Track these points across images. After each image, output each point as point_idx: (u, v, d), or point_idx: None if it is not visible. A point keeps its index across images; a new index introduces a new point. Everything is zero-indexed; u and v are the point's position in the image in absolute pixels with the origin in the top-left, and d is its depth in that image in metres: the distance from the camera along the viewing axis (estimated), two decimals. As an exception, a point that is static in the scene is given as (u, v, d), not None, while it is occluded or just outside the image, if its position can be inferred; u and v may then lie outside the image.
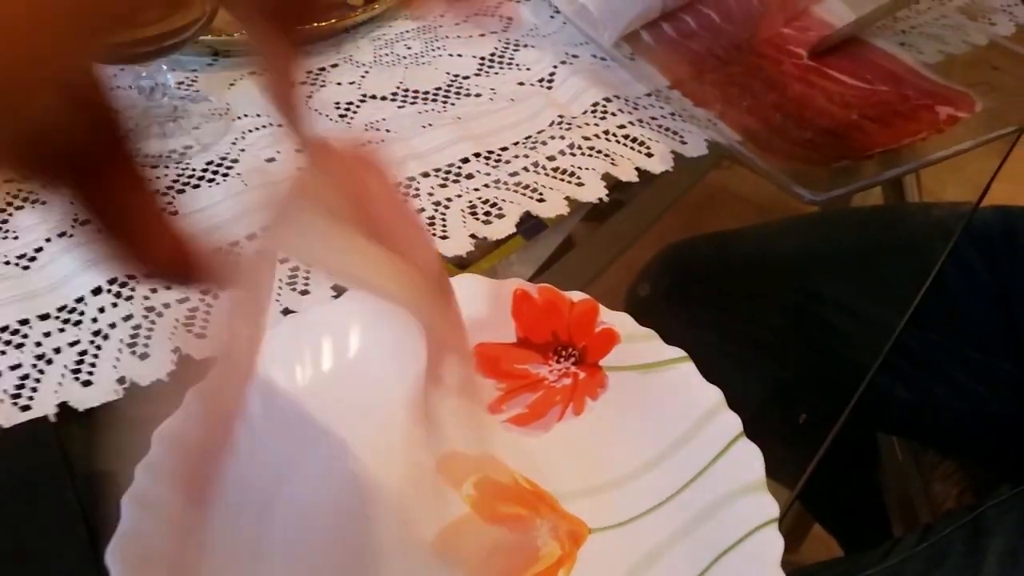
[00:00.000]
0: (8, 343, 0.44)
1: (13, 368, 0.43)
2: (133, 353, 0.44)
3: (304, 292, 0.47)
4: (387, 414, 0.40)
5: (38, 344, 0.44)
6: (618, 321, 0.42)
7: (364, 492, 0.37)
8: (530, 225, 0.51)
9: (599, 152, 0.55)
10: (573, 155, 0.55)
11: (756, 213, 0.58)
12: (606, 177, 0.53)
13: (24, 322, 0.45)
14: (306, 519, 0.36)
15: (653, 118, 0.57)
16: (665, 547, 0.35)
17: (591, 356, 0.42)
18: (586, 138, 0.56)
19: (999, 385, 0.71)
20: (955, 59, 0.63)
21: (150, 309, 0.46)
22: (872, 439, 0.89)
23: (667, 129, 0.57)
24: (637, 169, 0.54)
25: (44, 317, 0.46)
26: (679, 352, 0.40)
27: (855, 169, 0.54)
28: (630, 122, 0.57)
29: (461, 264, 0.49)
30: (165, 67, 0.55)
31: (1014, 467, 0.62)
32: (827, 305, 0.52)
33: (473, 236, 0.50)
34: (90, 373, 0.43)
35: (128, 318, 0.45)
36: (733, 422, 0.37)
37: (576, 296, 0.43)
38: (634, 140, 0.56)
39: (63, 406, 0.42)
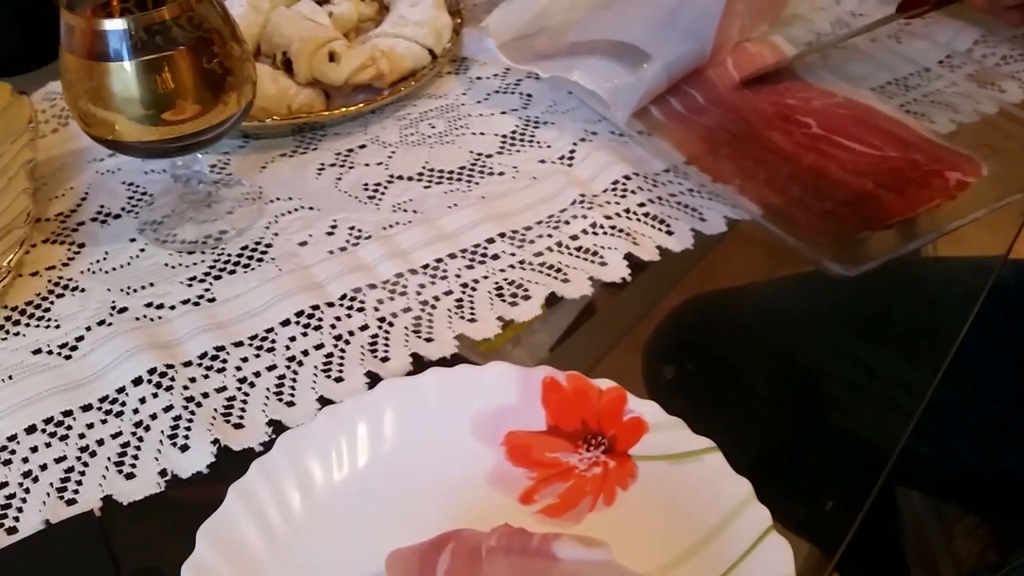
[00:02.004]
0: (53, 435, 0.46)
1: (58, 461, 0.45)
2: (174, 445, 0.45)
3: (339, 379, 0.48)
4: (423, 503, 0.41)
5: (81, 436, 0.46)
6: (646, 410, 0.43)
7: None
8: (550, 295, 0.53)
9: (621, 231, 0.56)
10: (595, 234, 0.56)
11: (779, 262, 0.59)
12: (628, 256, 0.55)
13: (67, 413, 0.47)
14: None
15: (672, 195, 0.59)
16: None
17: (620, 445, 0.43)
18: (608, 217, 0.57)
19: (1019, 441, 0.71)
20: (965, 127, 0.65)
21: (189, 399, 0.47)
22: (891, 492, 0.89)
23: (686, 206, 0.58)
24: (658, 248, 0.55)
25: (87, 408, 0.47)
26: (707, 442, 0.41)
27: (875, 239, 0.55)
28: (650, 200, 0.58)
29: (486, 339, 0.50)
30: (200, 155, 0.57)
31: None
32: (853, 365, 0.52)
33: (500, 319, 0.51)
34: (133, 465, 0.44)
35: (168, 409, 0.47)
36: (763, 516, 0.38)
37: (604, 384, 0.44)
38: (654, 218, 0.57)
39: (107, 499, 0.43)
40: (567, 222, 0.57)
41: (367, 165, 0.63)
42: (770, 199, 0.57)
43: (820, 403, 0.50)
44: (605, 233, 0.56)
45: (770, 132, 0.63)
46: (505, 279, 0.54)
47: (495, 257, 0.55)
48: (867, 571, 0.88)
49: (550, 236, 0.56)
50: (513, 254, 0.55)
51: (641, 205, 0.58)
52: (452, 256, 0.55)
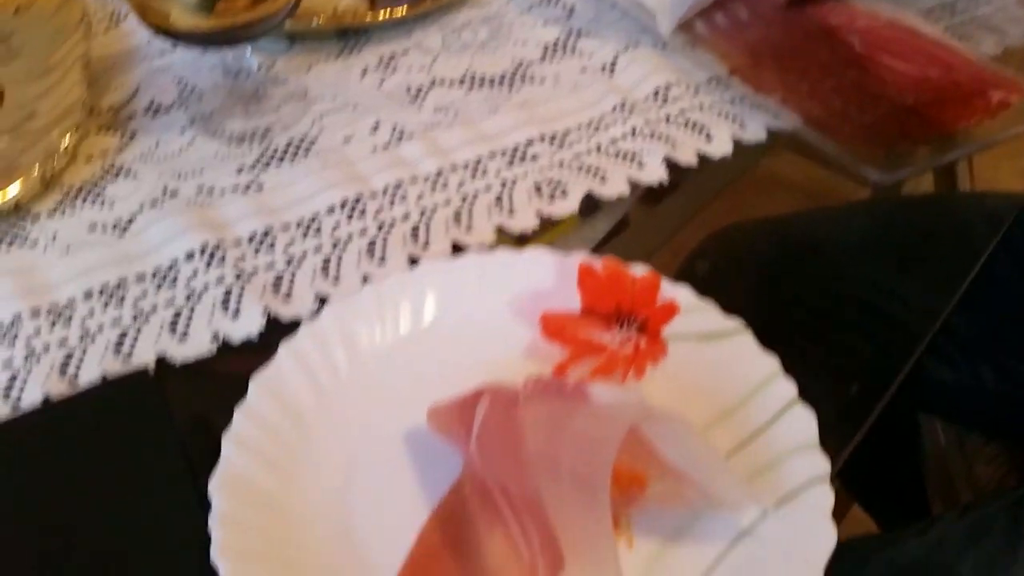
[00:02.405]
0: (108, 300, 0.48)
1: (114, 323, 0.47)
2: (225, 312, 0.47)
3: (382, 260, 0.50)
4: (463, 373, 0.43)
5: (136, 302, 0.48)
6: (679, 293, 0.44)
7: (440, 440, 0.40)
8: (587, 205, 0.54)
9: (660, 136, 0.57)
10: (635, 138, 0.57)
11: (804, 200, 0.60)
12: (666, 160, 0.56)
13: (122, 282, 0.49)
14: (389, 467, 0.39)
15: (713, 104, 0.60)
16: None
17: (653, 325, 0.44)
18: (647, 122, 0.58)
19: (1047, 368, 0.71)
20: (1012, 51, 0.65)
21: (239, 274, 0.49)
22: (915, 422, 0.90)
23: (727, 115, 0.59)
24: (698, 153, 0.56)
25: (140, 278, 0.49)
26: (738, 323, 0.42)
27: (914, 153, 0.56)
28: (690, 107, 0.59)
29: (521, 240, 0.52)
30: (249, 50, 0.58)
31: None
32: (876, 290, 0.53)
33: (538, 213, 0.53)
34: (185, 330, 0.47)
35: (219, 281, 0.49)
36: (789, 388, 0.39)
37: (639, 269, 0.45)
38: (694, 125, 0.58)
39: (161, 360, 0.45)
40: (607, 127, 0.58)
41: (410, 69, 0.64)
42: (812, 110, 0.58)
43: (843, 316, 0.51)
44: (644, 137, 0.57)
45: (814, 47, 0.63)
46: (544, 178, 0.55)
47: (534, 158, 0.56)
48: (889, 500, 0.89)
49: (590, 139, 0.57)
50: (552, 155, 0.56)
51: (681, 112, 0.59)
52: (492, 156, 0.56)
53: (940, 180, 1.01)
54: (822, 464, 0.36)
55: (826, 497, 0.35)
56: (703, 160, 0.56)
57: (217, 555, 0.34)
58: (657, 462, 0.35)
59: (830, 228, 0.64)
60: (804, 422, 0.38)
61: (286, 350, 0.41)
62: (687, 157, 0.56)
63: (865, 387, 0.46)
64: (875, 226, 0.63)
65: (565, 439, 0.32)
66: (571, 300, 0.46)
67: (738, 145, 0.57)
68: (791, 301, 0.52)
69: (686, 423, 0.34)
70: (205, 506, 0.36)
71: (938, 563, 0.55)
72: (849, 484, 0.93)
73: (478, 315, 0.45)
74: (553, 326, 0.45)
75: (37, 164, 0.54)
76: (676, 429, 0.33)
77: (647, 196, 0.56)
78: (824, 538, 0.33)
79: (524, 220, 0.52)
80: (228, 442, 0.38)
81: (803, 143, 0.57)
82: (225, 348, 0.46)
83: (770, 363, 0.40)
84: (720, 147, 0.57)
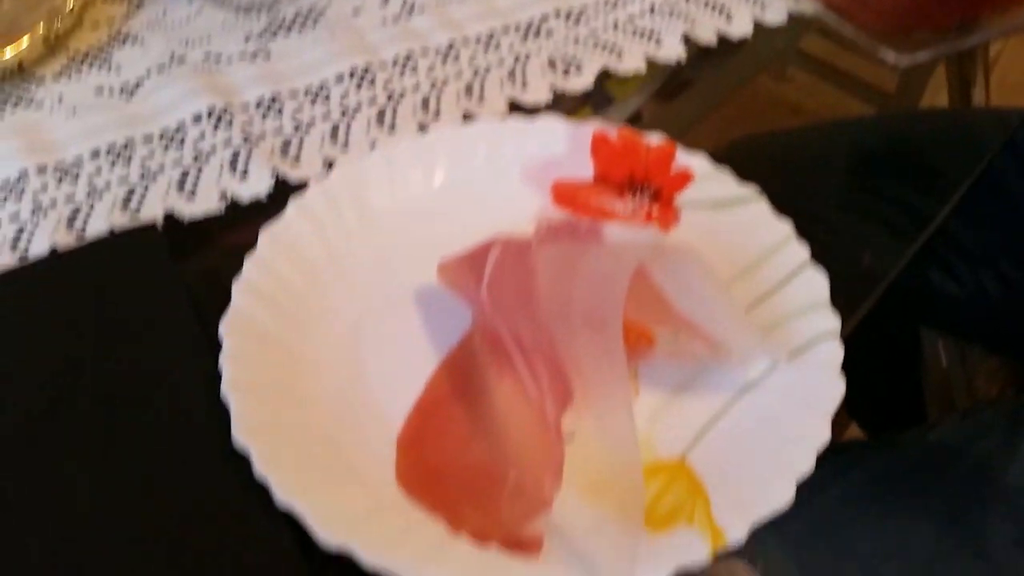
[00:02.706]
0: (116, 160, 0.47)
1: (121, 181, 0.46)
2: (233, 172, 0.47)
3: (392, 128, 0.49)
4: (472, 237, 0.43)
5: (143, 162, 0.47)
6: (695, 161, 0.44)
7: (449, 298, 0.40)
8: (599, 98, 0.53)
9: (679, 14, 0.56)
10: (653, 16, 0.56)
11: (810, 118, 0.59)
12: (685, 39, 0.54)
13: (129, 142, 0.48)
14: (399, 321, 0.39)
15: (734, -13, 0.58)
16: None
17: (666, 193, 0.44)
18: (667, 1, 0.57)
19: (1049, 282, 0.71)
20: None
21: (247, 137, 0.48)
22: (916, 340, 0.90)
23: (747, -2, 0.57)
24: (717, 31, 0.55)
25: (148, 139, 0.49)
26: (753, 190, 0.42)
27: (935, 40, 0.55)
28: (711, -11, 0.58)
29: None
30: (259, -84, 0.56)
31: None
32: (882, 198, 0.52)
33: (552, 87, 0.52)
34: (193, 188, 0.46)
35: (227, 143, 0.48)
36: (802, 251, 0.39)
37: (654, 139, 0.44)
38: (715, 5, 0.57)
39: (170, 218, 0.45)
40: (624, 3, 0.57)
41: (424, -56, 0.62)
42: (833, -5, 0.56)
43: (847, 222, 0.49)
44: (663, 15, 0.56)
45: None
46: (558, 53, 0.54)
47: (549, 34, 0.55)
48: (888, 418, 0.90)
49: (607, 16, 0.56)
50: (567, 32, 0.55)
51: (701, -7, 0.57)
52: (505, 31, 0.55)
53: (955, 96, 0.99)
54: (832, 321, 0.36)
55: (836, 351, 0.35)
56: (721, 50, 0.55)
57: (228, 389, 0.34)
58: (668, 313, 0.35)
59: (840, 140, 0.63)
60: (816, 282, 0.38)
61: (296, 205, 0.41)
62: (706, 35, 0.55)
63: (872, 268, 0.45)
64: (885, 138, 0.62)
65: (577, 278, 0.32)
66: (584, 169, 0.45)
67: (759, 29, 0.56)
68: (800, 210, 0.51)
69: (701, 262, 0.33)
70: (215, 350, 0.36)
71: (935, 461, 0.56)
72: (848, 404, 0.94)
73: (489, 182, 0.45)
74: (565, 194, 0.45)
75: (41, 23, 0.53)
76: (689, 272, 0.32)
77: (660, 93, 0.55)
78: (833, 389, 0.34)
79: (537, 94, 0.51)
80: (238, 287, 0.37)
81: (823, 26, 0.55)
82: (234, 210, 0.45)
83: (783, 228, 0.40)
84: (740, 27, 0.55)
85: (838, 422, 0.82)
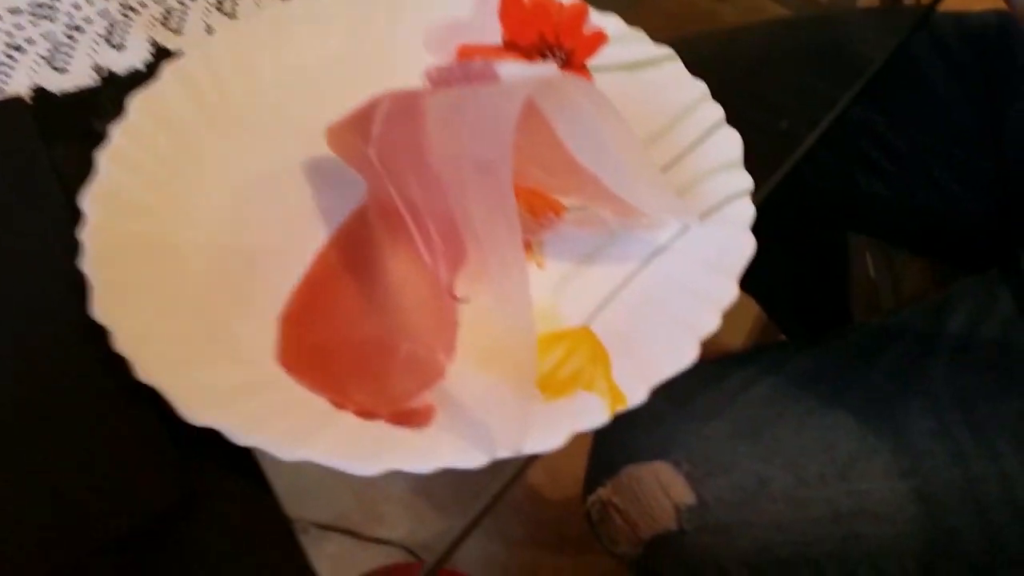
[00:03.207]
0: (-21, 34, 0.43)
1: (-14, 55, 0.42)
2: (110, 45, 0.43)
3: None
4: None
5: (9, 34, 0.43)
6: (608, 23, 0.41)
7: (338, 164, 0.37)
8: None
9: None
10: None
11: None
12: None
13: (-6, 15, 0.44)
14: (282, 176, 0.36)
15: None
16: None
17: (578, 57, 0.41)
18: None
19: (978, 183, 0.71)
20: None
21: (125, 6, 0.44)
22: (843, 246, 0.90)
23: None
24: None
25: (14, 11, 0.44)
26: (667, 50, 0.39)
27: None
28: None
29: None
30: None
31: (980, 264, 0.62)
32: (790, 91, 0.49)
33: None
34: (66, 62, 0.42)
35: (104, 14, 0.44)
36: (715, 110, 0.37)
37: (566, -1, 0.41)
38: None
39: (40, 91, 0.41)
40: None
41: None
42: None
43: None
44: None
45: None
46: (470, -81, 0.50)
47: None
48: (813, 326, 0.90)
49: None
50: None
51: None
52: None
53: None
54: (744, 180, 0.34)
55: (746, 209, 0.33)
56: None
57: (87, 263, 0.31)
58: (577, 179, 0.32)
59: (760, 40, 0.60)
60: (729, 142, 0.35)
61: (171, 69, 0.37)
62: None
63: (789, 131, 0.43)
64: (817, 39, 0.59)
65: (465, 122, 0.29)
66: (491, 33, 0.42)
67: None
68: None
69: (603, 101, 0.30)
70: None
71: (859, 358, 0.55)
72: (773, 312, 0.93)
73: (389, 46, 0.41)
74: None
75: None
76: (591, 117, 0.30)
77: None
78: (743, 246, 0.32)
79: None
80: (104, 156, 0.34)
81: None
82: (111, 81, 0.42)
83: (699, 87, 0.37)
84: None
85: (765, 340, 0.81)
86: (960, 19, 0.66)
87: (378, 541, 0.29)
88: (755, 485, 0.48)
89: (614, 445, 0.50)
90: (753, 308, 0.96)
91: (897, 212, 0.74)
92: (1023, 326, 0.52)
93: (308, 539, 0.28)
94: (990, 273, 0.57)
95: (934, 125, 0.69)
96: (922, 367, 0.52)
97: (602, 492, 0.50)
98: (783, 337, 0.95)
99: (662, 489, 0.48)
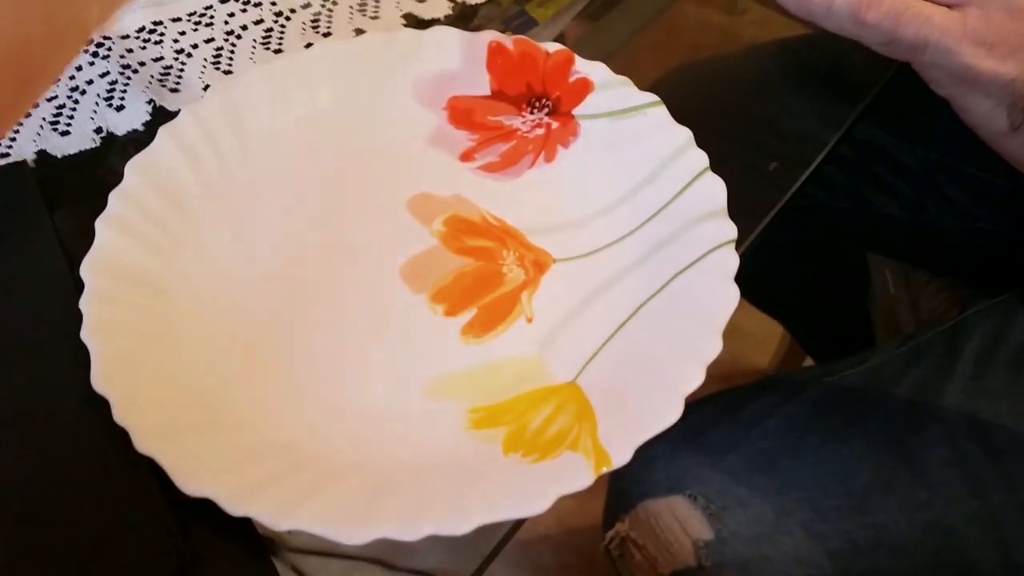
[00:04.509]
0: (-15, 98, 0.44)
1: (-9, 121, 0.43)
2: (110, 106, 0.44)
3: (278, 51, 0.46)
4: (361, 160, 0.40)
5: (15, 99, 0.44)
6: (593, 70, 0.41)
7: (336, 226, 0.38)
8: (521, 22, 0.50)
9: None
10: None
11: (735, 38, 0.55)
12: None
13: None
14: (282, 243, 0.37)
15: None
16: (626, 271, 0.35)
17: (565, 105, 0.41)
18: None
19: (992, 202, 0.70)
20: None
21: (126, 67, 0.45)
22: (863, 267, 0.89)
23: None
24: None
25: (20, 75, 0.45)
26: (652, 97, 0.40)
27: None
28: None
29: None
30: None
31: (998, 284, 0.62)
32: (796, 111, 0.49)
33: (451, 1, 0.49)
34: (68, 124, 0.43)
35: (104, 75, 0.45)
36: (700, 158, 0.37)
37: (552, 47, 0.42)
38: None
39: (42, 154, 0.42)
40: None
41: None
42: None
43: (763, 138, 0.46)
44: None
45: None
46: (459, -37, 0.51)
47: (451, -58, 0.52)
48: (837, 347, 0.89)
49: (511, -79, 0.52)
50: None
51: None
52: (406, -60, 0.52)
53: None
54: (728, 229, 0.34)
55: (730, 260, 0.33)
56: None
57: (87, 332, 0.32)
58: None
59: (764, 59, 0.60)
60: (714, 190, 0.36)
61: (166, 132, 0.38)
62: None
63: (781, 171, 0.43)
64: (828, 56, 0.59)
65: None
66: (480, 83, 0.43)
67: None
68: (724, 129, 0.48)
69: None
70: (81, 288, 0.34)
71: (874, 387, 0.54)
72: (799, 335, 0.93)
73: (379, 99, 0.42)
74: (460, 111, 0.42)
75: None
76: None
77: (584, 14, 0.51)
78: (725, 298, 0.32)
79: (436, 7, 0.48)
80: (102, 223, 0.35)
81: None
82: (112, 143, 0.43)
83: (683, 134, 0.38)
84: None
85: (791, 360, 0.81)
86: None
87: (411, 572, 0.30)
88: (772, 519, 0.47)
89: (630, 479, 0.50)
90: (778, 328, 0.96)
91: (912, 232, 0.73)
92: (1040, 351, 0.52)
93: (341, 567, 0.29)
94: (1007, 297, 0.57)
95: (943, 142, 0.68)
96: (938, 395, 0.51)
97: (620, 528, 0.50)
98: (808, 359, 0.95)
99: (679, 524, 0.48)
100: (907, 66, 0.41)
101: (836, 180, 0.69)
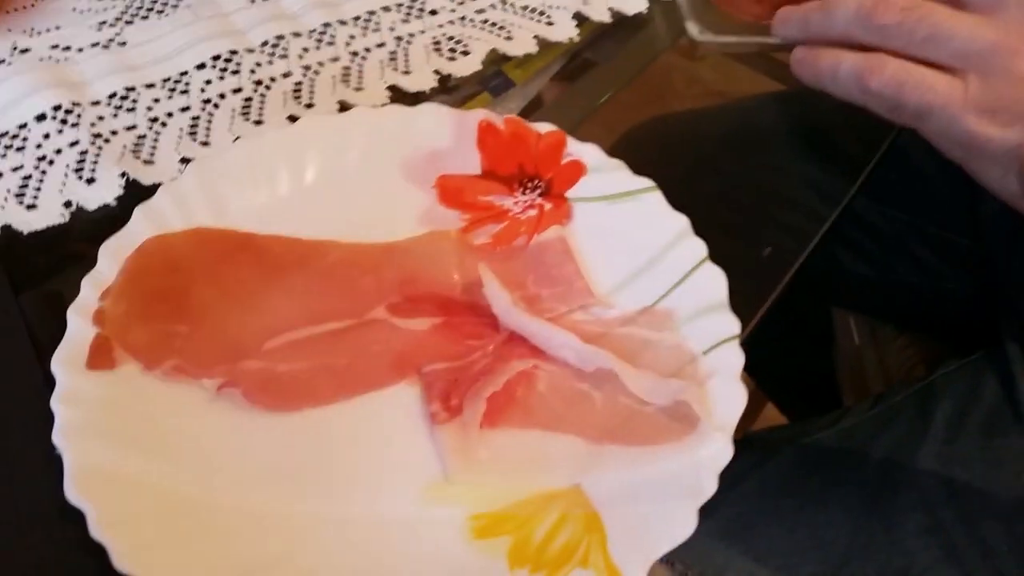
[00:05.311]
0: (-54, 168, 0.42)
1: (-48, 192, 0.41)
2: (80, 178, 0.42)
3: (259, 123, 0.45)
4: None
5: (-24, 169, 0.42)
6: (586, 152, 0.41)
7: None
8: (498, 83, 0.49)
9: (570, -9, 0.52)
10: (543, -7, 0.52)
11: (716, 98, 0.56)
12: (577, 16, 0.51)
13: (-39, 147, 0.43)
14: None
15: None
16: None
17: (557, 187, 0.41)
18: (557, -23, 0.53)
19: (957, 260, 0.71)
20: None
21: (97, 136, 0.43)
22: (828, 319, 0.90)
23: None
24: (611, 9, 0.52)
25: (-19, 142, 0.43)
26: (647, 182, 0.39)
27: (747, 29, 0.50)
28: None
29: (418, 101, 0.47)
30: None
31: (965, 342, 0.63)
32: (787, 177, 0.49)
33: (437, 72, 0.48)
34: (35, 197, 0.41)
35: (74, 144, 0.43)
36: (698, 247, 0.36)
37: (544, 128, 0.41)
38: (605, -19, 0.53)
39: (7, 229, 0.40)
40: (513, -20, 0.53)
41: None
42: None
43: (754, 204, 0.46)
44: (553, -8, 0.52)
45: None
46: (444, 34, 0.50)
47: (433, 12, 0.51)
48: (802, 396, 0.90)
49: (494, -7, 0.52)
50: (453, 10, 0.51)
51: (590, -33, 0.54)
52: (386, 9, 0.51)
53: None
54: (731, 324, 0.34)
55: (735, 358, 0.32)
56: (622, 28, 0.52)
57: (59, 436, 0.29)
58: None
59: (744, 119, 0.61)
60: (714, 281, 0.35)
61: (141, 212, 0.36)
62: (599, 14, 0.52)
63: (774, 257, 0.43)
64: (790, 116, 0.60)
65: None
66: (470, 161, 0.42)
67: (662, 6, 0.53)
68: (707, 194, 0.48)
69: None
70: (51, 386, 0.32)
71: (848, 450, 0.55)
72: (762, 382, 0.93)
73: (367, 177, 0.41)
74: (451, 190, 0.41)
75: None
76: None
77: (561, 75, 0.51)
78: (735, 399, 0.31)
79: (421, 80, 0.48)
80: (74, 314, 0.33)
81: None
82: (81, 218, 0.41)
83: (680, 221, 0.37)
84: (635, 4, 0.52)
85: (750, 409, 0.80)
86: None
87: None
88: None
89: None
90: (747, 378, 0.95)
91: (879, 289, 0.74)
92: (1009, 415, 0.52)
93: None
94: (975, 359, 0.58)
95: (913, 203, 0.69)
96: (912, 458, 0.51)
97: None
98: (772, 411, 0.95)
99: None
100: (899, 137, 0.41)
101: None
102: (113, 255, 0.35)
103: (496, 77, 0.50)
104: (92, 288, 0.34)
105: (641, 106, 0.51)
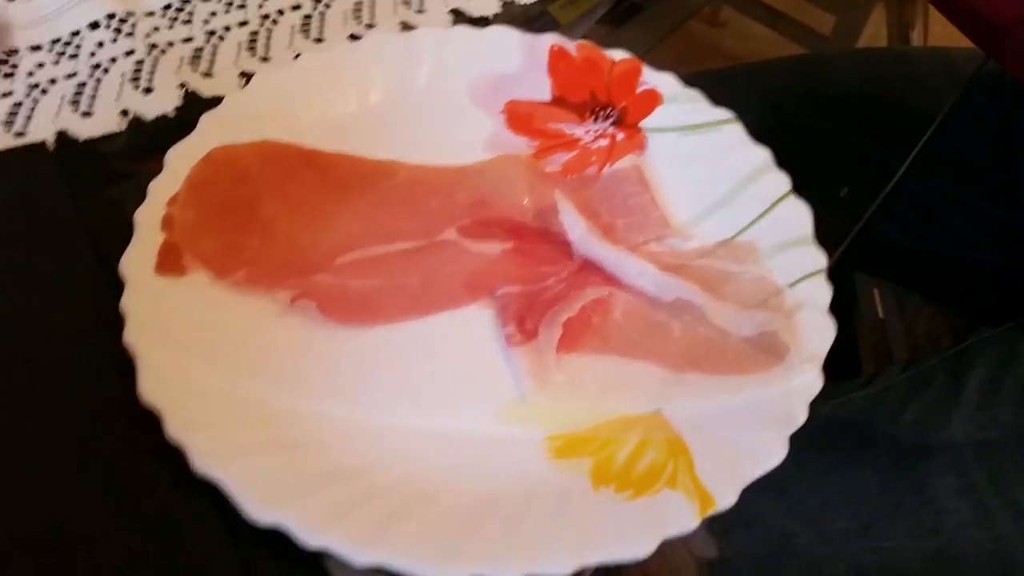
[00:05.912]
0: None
1: (4, 95, 0.40)
2: (136, 87, 0.40)
3: (319, 40, 0.43)
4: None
5: (30, 74, 0.41)
6: (662, 81, 0.39)
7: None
8: (543, 23, 0.48)
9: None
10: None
11: (757, 47, 0.54)
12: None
13: (12, 52, 0.42)
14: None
15: None
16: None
17: (631, 117, 0.39)
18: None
19: (993, 232, 0.70)
20: None
21: (153, 46, 0.42)
22: (851, 284, 0.89)
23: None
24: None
25: (35, 48, 0.42)
26: (727, 113, 0.38)
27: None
28: None
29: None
30: None
31: (995, 313, 0.62)
32: (835, 146, 0.48)
33: (504, -3, 0.47)
34: (90, 104, 0.40)
35: (130, 53, 0.42)
36: (782, 180, 0.35)
37: (618, 55, 0.40)
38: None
39: (62, 136, 0.39)
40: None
41: None
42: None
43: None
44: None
45: None
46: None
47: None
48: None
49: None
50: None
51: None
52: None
53: (894, 37, 0.97)
54: (817, 259, 0.33)
55: (822, 292, 0.32)
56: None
57: (132, 338, 0.29)
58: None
59: (790, 79, 0.59)
60: (798, 214, 0.34)
61: (209, 121, 0.35)
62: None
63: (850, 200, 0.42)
64: (835, 79, 0.58)
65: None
66: (540, 88, 0.40)
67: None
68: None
69: None
70: (116, 288, 0.31)
71: (880, 411, 0.54)
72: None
73: (432, 99, 0.40)
74: (519, 116, 0.40)
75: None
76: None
77: (607, 18, 0.50)
78: (824, 331, 0.30)
79: (486, 4, 0.46)
80: (142, 218, 0.32)
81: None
82: (139, 127, 0.39)
83: (762, 154, 0.36)
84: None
85: None
86: (975, 56, 0.65)
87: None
88: (778, 540, 0.47)
89: None
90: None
91: (912, 257, 0.73)
92: (1044, 384, 0.52)
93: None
94: (1008, 328, 0.57)
95: (949, 168, 0.68)
96: (944, 422, 0.51)
97: None
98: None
99: (683, 542, 0.47)
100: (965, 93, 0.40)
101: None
102: (179, 161, 0.34)
103: (541, 17, 0.48)
104: (160, 194, 0.33)
105: (687, 58, 0.50)
